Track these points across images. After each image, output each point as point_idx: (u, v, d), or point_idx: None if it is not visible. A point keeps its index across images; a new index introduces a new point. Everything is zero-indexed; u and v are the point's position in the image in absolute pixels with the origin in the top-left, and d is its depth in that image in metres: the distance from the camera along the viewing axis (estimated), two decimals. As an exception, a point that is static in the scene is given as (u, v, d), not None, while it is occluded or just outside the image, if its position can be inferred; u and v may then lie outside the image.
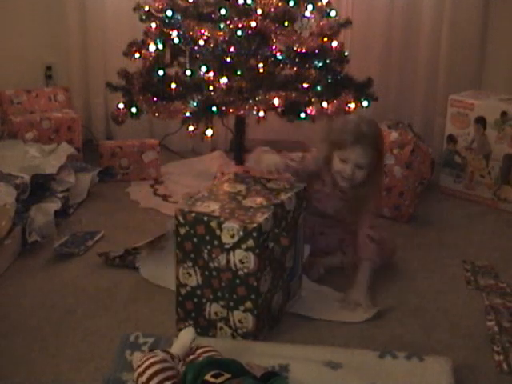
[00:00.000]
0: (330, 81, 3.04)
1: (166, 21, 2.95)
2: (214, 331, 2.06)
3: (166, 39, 2.97)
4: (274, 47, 2.89)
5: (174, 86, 2.89)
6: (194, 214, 1.97)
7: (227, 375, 1.63)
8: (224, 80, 2.82)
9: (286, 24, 2.94)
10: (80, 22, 3.78)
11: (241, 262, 1.93)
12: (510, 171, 3.18)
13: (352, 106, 3.07)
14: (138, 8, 3.08)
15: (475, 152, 3.27)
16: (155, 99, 2.93)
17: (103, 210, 3.06)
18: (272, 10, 2.89)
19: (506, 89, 3.51)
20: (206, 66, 2.85)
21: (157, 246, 2.51)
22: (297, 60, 2.98)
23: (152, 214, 3.03)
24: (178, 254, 2.04)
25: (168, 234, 2.48)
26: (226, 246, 1.94)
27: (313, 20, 3.09)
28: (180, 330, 2.01)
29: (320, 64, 3.02)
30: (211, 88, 2.83)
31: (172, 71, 3.06)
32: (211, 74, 2.85)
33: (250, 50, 2.89)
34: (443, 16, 3.66)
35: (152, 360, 1.66)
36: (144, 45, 3.05)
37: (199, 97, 2.83)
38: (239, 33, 2.83)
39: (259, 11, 2.86)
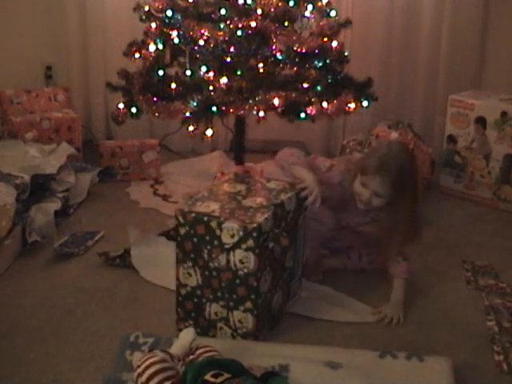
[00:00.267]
0: (329, 81, 3.04)
1: (166, 21, 2.95)
2: (214, 331, 2.06)
3: (166, 39, 2.97)
4: (274, 47, 2.89)
5: (174, 86, 2.89)
6: (193, 214, 1.97)
7: (227, 375, 1.63)
8: (224, 80, 2.82)
9: (286, 24, 2.94)
10: (80, 22, 3.79)
11: (241, 262, 1.93)
12: (510, 171, 3.18)
13: (352, 105, 3.07)
14: (137, 8, 3.08)
15: (475, 152, 3.27)
16: (155, 99, 2.92)
17: (103, 209, 3.06)
18: (272, 10, 2.88)
19: (506, 89, 3.51)
20: (206, 66, 2.85)
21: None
22: (297, 60, 2.98)
23: (152, 214, 3.03)
24: (178, 254, 2.04)
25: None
26: (226, 246, 1.94)
27: (313, 20, 3.08)
28: (180, 330, 2.02)
29: (320, 64, 3.02)
30: (211, 88, 2.83)
31: (172, 71, 3.05)
32: (211, 74, 2.85)
33: (250, 50, 2.89)
34: (443, 16, 3.66)
35: (151, 360, 1.66)
36: (144, 45, 3.05)
37: (199, 97, 2.83)
38: (239, 33, 2.82)
39: (259, 11, 2.86)
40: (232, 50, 2.87)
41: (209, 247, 1.97)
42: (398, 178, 2.16)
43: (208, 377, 1.62)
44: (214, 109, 2.81)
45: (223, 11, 2.89)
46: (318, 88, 2.98)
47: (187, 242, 2.00)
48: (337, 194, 2.35)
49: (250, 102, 2.84)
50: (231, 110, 2.87)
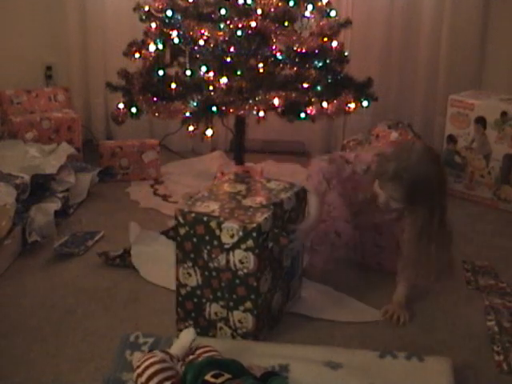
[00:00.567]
0: (330, 81, 3.04)
1: (166, 21, 2.95)
2: (214, 331, 2.06)
3: (166, 39, 2.97)
4: (274, 47, 2.89)
5: (174, 86, 2.89)
6: (193, 214, 1.97)
7: (227, 375, 1.63)
8: (224, 80, 2.82)
9: (286, 24, 2.94)
10: (80, 22, 3.79)
11: (240, 262, 1.93)
12: (510, 171, 3.18)
13: (352, 105, 3.07)
14: (138, 8, 3.08)
15: (475, 152, 3.27)
16: (155, 99, 2.92)
17: (103, 209, 3.06)
18: (272, 9, 2.88)
19: (506, 89, 3.51)
20: (206, 66, 2.85)
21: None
22: (297, 60, 2.98)
23: (152, 214, 3.03)
24: (178, 254, 2.04)
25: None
26: (226, 246, 1.94)
27: (313, 20, 3.08)
28: (180, 330, 2.02)
29: (320, 64, 3.02)
30: (211, 88, 2.83)
31: (172, 71, 3.05)
32: (211, 74, 2.84)
33: (250, 49, 2.88)
34: (443, 16, 3.66)
35: (151, 360, 1.66)
36: (144, 45, 3.05)
37: (199, 97, 2.83)
38: (239, 33, 2.82)
39: (259, 11, 2.86)
40: (232, 50, 2.86)
41: (208, 247, 1.97)
42: (412, 189, 2.08)
43: (208, 377, 1.62)
44: (214, 109, 2.81)
45: (223, 11, 2.88)
46: (318, 88, 2.98)
47: (187, 242, 2.00)
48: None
49: (250, 102, 2.84)
50: (231, 110, 2.87)
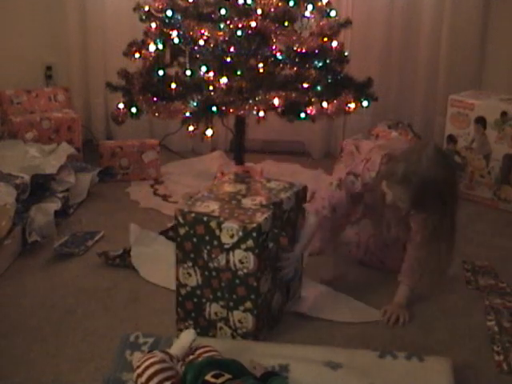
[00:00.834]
0: (330, 81, 3.04)
1: (166, 21, 2.95)
2: (214, 331, 2.06)
3: (166, 39, 2.97)
4: (274, 47, 2.89)
5: (174, 86, 2.89)
6: (193, 214, 1.97)
7: (228, 376, 1.63)
8: (224, 80, 2.82)
9: (286, 24, 2.94)
10: (80, 22, 3.79)
11: (240, 262, 1.93)
12: (510, 171, 3.18)
13: (352, 105, 3.07)
14: (138, 8, 3.08)
15: (475, 152, 3.27)
16: (155, 99, 2.92)
17: (103, 209, 3.06)
18: (272, 9, 2.88)
19: (506, 89, 3.51)
20: (206, 66, 2.85)
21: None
22: (297, 60, 2.98)
23: (152, 214, 3.03)
24: (178, 254, 2.04)
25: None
26: (226, 246, 1.94)
27: (313, 20, 3.08)
28: (180, 330, 2.02)
29: (320, 64, 3.02)
30: (211, 88, 2.83)
31: (172, 71, 3.05)
32: (211, 74, 2.84)
33: (250, 49, 2.88)
34: (443, 16, 3.66)
35: (151, 360, 1.66)
36: (144, 45, 3.05)
37: (199, 97, 2.83)
38: (239, 33, 2.82)
39: (259, 11, 2.86)
40: (232, 50, 2.86)
41: (208, 247, 1.97)
42: (421, 193, 2.03)
43: (208, 377, 1.62)
44: (214, 109, 2.81)
45: (223, 11, 2.88)
46: (318, 88, 2.98)
47: (187, 242, 2.00)
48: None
49: (250, 102, 2.84)
50: (231, 110, 2.87)
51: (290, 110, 2.95)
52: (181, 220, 1.99)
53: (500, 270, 2.58)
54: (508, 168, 3.17)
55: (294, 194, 2.14)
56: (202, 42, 2.84)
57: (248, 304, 1.98)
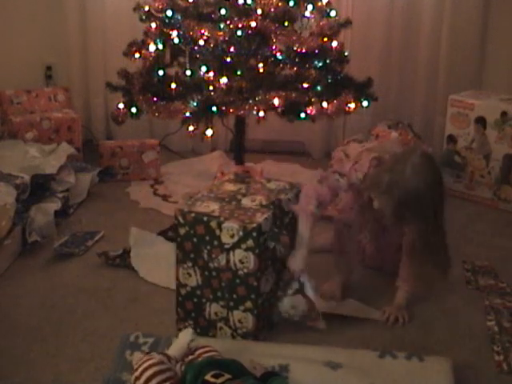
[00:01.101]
0: (330, 81, 3.04)
1: (166, 21, 2.95)
2: (214, 331, 2.06)
3: (166, 39, 2.97)
4: (274, 47, 2.89)
5: (174, 86, 2.89)
6: (193, 214, 1.97)
7: (228, 376, 1.63)
8: (224, 80, 2.82)
9: (286, 24, 2.94)
10: (80, 23, 3.79)
11: (241, 261, 1.93)
12: (510, 171, 3.18)
13: (352, 105, 3.07)
14: (138, 8, 3.08)
15: (475, 152, 3.27)
16: (155, 99, 2.92)
17: (103, 209, 3.06)
18: (272, 9, 2.88)
19: (506, 89, 3.50)
20: (206, 66, 2.85)
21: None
22: (297, 60, 2.98)
23: (152, 214, 3.03)
24: (178, 254, 2.04)
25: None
26: (226, 246, 1.94)
27: (313, 20, 3.08)
28: (180, 330, 2.02)
29: (320, 64, 3.02)
30: (211, 88, 2.83)
31: (172, 71, 3.05)
32: (211, 74, 2.84)
33: (250, 49, 2.88)
34: (443, 16, 3.65)
35: (149, 362, 1.65)
36: (144, 45, 3.05)
37: (199, 97, 2.83)
38: (239, 33, 2.82)
39: (259, 11, 2.86)
40: (232, 50, 2.86)
41: (209, 247, 1.97)
42: (401, 206, 2.02)
43: (208, 377, 1.62)
44: (214, 109, 2.81)
45: (223, 11, 2.88)
46: (318, 88, 2.98)
47: (187, 242, 2.00)
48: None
49: (250, 102, 2.84)
50: (231, 110, 2.87)
51: (290, 110, 2.95)
52: (181, 220, 1.99)
53: (500, 270, 2.58)
54: (508, 168, 3.17)
55: (294, 195, 2.14)
56: (202, 42, 2.84)
57: (248, 304, 1.98)
